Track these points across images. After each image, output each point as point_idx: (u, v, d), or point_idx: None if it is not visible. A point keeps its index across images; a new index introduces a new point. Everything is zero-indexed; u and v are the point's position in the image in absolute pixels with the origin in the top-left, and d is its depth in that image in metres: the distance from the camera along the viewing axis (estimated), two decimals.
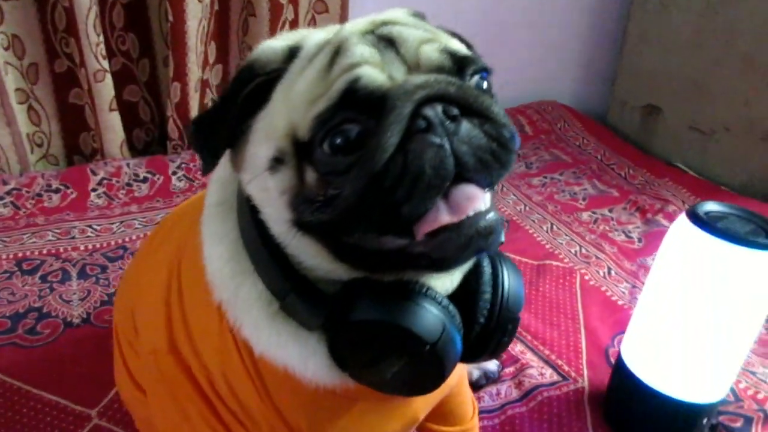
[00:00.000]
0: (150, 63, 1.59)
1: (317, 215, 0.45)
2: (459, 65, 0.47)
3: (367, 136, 0.43)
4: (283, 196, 0.47)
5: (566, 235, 1.39)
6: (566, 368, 1.00)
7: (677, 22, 1.80)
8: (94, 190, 1.42)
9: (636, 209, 1.52)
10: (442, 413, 0.73)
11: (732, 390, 0.96)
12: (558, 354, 1.03)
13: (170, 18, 1.42)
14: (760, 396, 0.95)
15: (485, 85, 0.49)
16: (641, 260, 1.31)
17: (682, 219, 0.79)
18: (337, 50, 0.45)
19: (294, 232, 0.48)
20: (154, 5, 1.53)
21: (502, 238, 0.48)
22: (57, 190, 1.39)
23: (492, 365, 0.97)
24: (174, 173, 1.49)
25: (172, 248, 0.63)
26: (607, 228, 1.43)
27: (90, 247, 1.24)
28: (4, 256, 1.19)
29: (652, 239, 1.37)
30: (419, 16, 0.54)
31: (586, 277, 1.24)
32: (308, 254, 0.50)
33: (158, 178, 1.47)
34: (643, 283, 1.06)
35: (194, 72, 1.51)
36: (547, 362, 1.01)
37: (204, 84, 1.59)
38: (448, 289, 0.53)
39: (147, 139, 1.66)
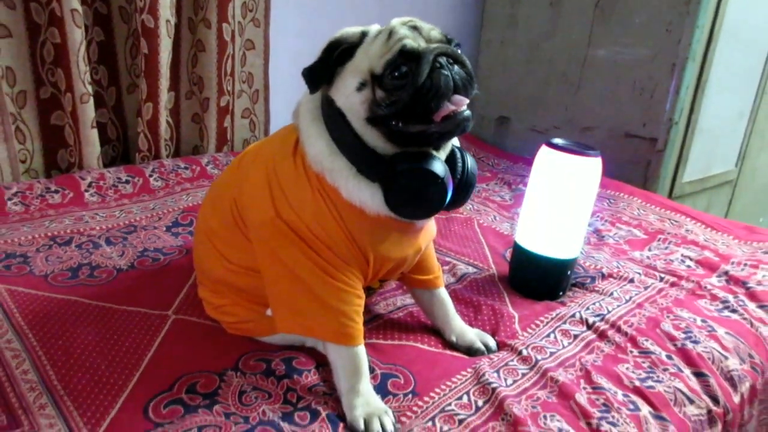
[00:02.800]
0: (116, 90, 1.92)
1: (384, 111, 0.90)
2: (449, 41, 0.95)
3: (410, 71, 0.89)
4: (363, 105, 0.91)
5: None
6: (481, 265, 1.49)
7: (513, 53, 2.47)
8: (86, 190, 1.70)
9: (504, 183, 2.10)
10: (422, 266, 1.17)
11: (580, 266, 1.51)
12: (474, 259, 1.52)
13: (145, 50, 1.78)
14: (598, 267, 1.51)
15: (459, 50, 0.98)
16: (514, 210, 1.87)
17: (543, 147, 1.34)
18: (390, 32, 0.92)
19: (366, 125, 0.93)
20: (120, 43, 1.87)
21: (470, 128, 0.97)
22: (56, 191, 1.66)
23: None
24: (150, 175, 1.82)
25: (263, 159, 1.03)
26: (487, 195, 1.99)
27: (104, 227, 1.54)
28: (36, 235, 1.46)
29: (518, 198, 1.94)
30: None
31: (481, 221, 1.77)
32: (373, 138, 0.93)
33: (138, 180, 1.79)
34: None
35: (163, 95, 1.87)
36: (468, 263, 1.50)
37: None
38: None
39: (113, 154, 1.96)
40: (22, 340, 1.08)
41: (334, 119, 0.96)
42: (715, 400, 1.09)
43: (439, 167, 0.93)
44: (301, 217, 0.97)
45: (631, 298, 1.36)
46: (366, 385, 0.99)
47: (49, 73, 1.73)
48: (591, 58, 2.19)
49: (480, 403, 1.00)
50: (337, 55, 0.93)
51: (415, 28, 0.93)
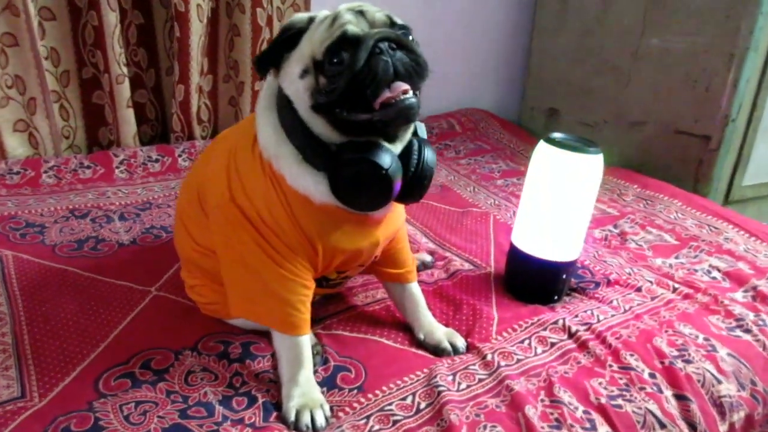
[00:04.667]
0: (155, 72, 2.00)
1: (324, 98, 0.88)
2: (393, 24, 0.91)
3: (351, 57, 0.86)
4: (306, 92, 0.89)
5: (484, 193, 1.86)
6: (479, 262, 1.43)
7: (564, 41, 2.34)
8: (117, 167, 1.80)
9: None
10: (393, 260, 1.14)
11: (588, 270, 1.41)
12: (474, 255, 1.47)
13: (177, 33, 1.84)
14: (607, 273, 1.41)
15: (410, 37, 0.93)
16: None
17: (540, 143, 1.26)
18: (335, 17, 0.89)
19: (311, 113, 0.91)
20: (159, 26, 1.95)
21: (421, 130, 0.93)
22: (88, 167, 1.77)
23: (427, 257, 1.40)
24: (180, 156, 1.89)
25: (228, 145, 1.04)
26: (515, 189, 1.90)
27: (123, 203, 1.62)
28: (58, 207, 1.55)
29: None
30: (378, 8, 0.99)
31: (498, 217, 1.70)
32: (319, 126, 0.91)
33: (167, 159, 1.87)
34: None
35: (195, 77, 1.93)
36: (466, 260, 1.44)
37: (199, 89, 2.00)
38: (395, 152, 0.96)
39: (152, 133, 2.05)
40: (11, 304, 1.16)
41: (282, 106, 0.95)
42: (693, 427, 0.99)
43: (384, 158, 0.90)
44: (253, 202, 0.97)
45: (631, 308, 1.26)
46: (305, 375, 0.98)
47: (90, 54, 1.83)
48: (643, 47, 2.03)
49: (422, 405, 0.97)
50: (283, 40, 0.92)
51: (360, 13, 0.90)
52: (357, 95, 0.86)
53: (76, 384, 0.98)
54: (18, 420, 0.90)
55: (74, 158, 1.79)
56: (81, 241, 1.41)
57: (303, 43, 0.91)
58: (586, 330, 1.17)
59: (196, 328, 1.13)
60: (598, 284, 1.36)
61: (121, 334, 1.11)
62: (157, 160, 1.85)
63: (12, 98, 1.74)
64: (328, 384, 1.02)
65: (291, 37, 0.92)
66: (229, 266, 1.01)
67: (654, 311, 1.25)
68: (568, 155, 1.20)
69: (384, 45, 0.86)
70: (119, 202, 1.62)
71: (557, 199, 1.23)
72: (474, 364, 1.07)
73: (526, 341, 1.14)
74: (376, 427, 0.92)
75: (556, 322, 1.19)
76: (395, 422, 0.93)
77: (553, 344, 1.13)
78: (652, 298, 1.30)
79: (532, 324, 1.19)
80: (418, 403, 0.97)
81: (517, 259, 1.31)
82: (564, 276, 1.28)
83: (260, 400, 0.97)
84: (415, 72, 0.88)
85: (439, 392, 0.98)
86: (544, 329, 1.17)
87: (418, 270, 1.37)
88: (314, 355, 1.05)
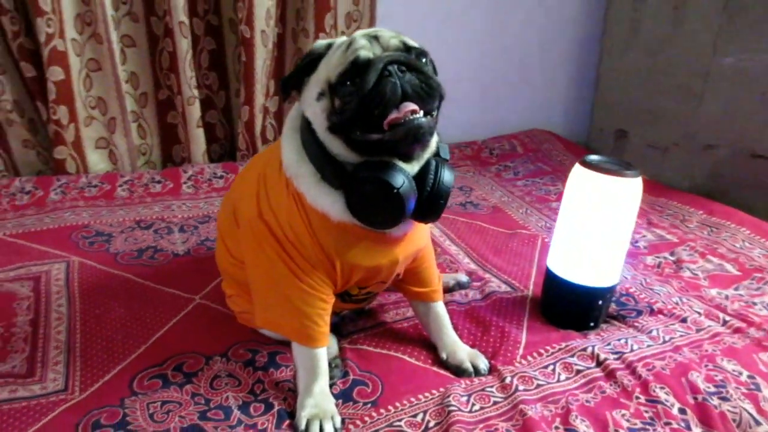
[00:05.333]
0: (225, 94, 2.13)
1: (338, 119, 0.91)
2: (408, 49, 0.94)
3: (361, 80, 0.89)
4: (323, 113, 0.93)
5: (536, 216, 1.83)
6: (517, 284, 1.42)
7: (634, 61, 2.27)
8: (184, 182, 1.92)
9: None
10: (418, 278, 1.16)
11: (632, 297, 1.36)
12: (514, 278, 1.45)
13: (243, 58, 1.96)
14: (652, 301, 1.35)
15: (424, 60, 0.95)
16: None
17: (576, 166, 1.23)
18: (350, 43, 0.93)
19: (328, 134, 0.95)
20: (230, 52, 2.07)
21: (444, 151, 0.95)
22: (159, 182, 1.90)
23: (463, 277, 1.40)
24: None
25: (259, 166, 1.10)
26: None
27: (185, 216, 1.73)
28: (127, 218, 1.68)
29: None
30: (397, 32, 1.02)
31: (546, 240, 1.66)
32: (336, 146, 0.95)
33: (231, 176, 1.97)
34: None
35: (259, 99, 2.03)
36: (505, 282, 1.43)
37: (265, 109, 2.11)
38: (410, 172, 0.98)
39: (221, 151, 2.18)
40: (70, 305, 1.27)
41: (304, 128, 0.99)
42: None
43: (396, 178, 0.92)
44: (278, 219, 1.02)
45: (671, 339, 1.20)
46: (320, 387, 1.01)
47: (166, 78, 1.98)
48: (716, 66, 1.94)
49: (431, 423, 0.97)
50: (304, 65, 0.97)
51: (375, 38, 0.93)
52: (367, 116, 0.89)
53: (113, 382, 1.06)
54: (57, 411, 0.98)
55: (147, 173, 1.93)
56: (141, 250, 1.52)
57: (321, 68, 0.95)
58: (617, 359, 1.12)
59: (229, 336, 1.19)
60: (640, 313, 1.30)
61: (161, 337, 1.19)
62: (221, 177, 1.96)
63: (95, 118, 1.91)
64: (344, 396, 1.04)
65: (311, 62, 0.97)
66: (255, 278, 1.07)
67: (696, 344, 1.18)
68: (605, 179, 1.17)
69: (393, 68, 0.88)
70: (182, 215, 1.73)
71: (594, 223, 1.20)
72: (492, 387, 1.06)
73: (550, 367, 1.11)
74: None
75: (584, 349, 1.15)
76: None
77: (578, 371, 1.10)
78: (698, 330, 1.23)
79: (560, 350, 1.16)
80: (428, 421, 0.98)
81: (552, 283, 1.29)
82: (600, 302, 1.24)
83: (276, 408, 1.01)
84: (425, 93, 0.90)
85: (449, 412, 0.98)
86: (572, 355, 1.14)
87: (453, 290, 1.38)
88: (333, 368, 1.08)
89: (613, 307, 1.32)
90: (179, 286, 1.36)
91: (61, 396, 1.02)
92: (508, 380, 1.07)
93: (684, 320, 1.26)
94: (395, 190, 0.92)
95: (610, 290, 1.25)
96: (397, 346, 1.18)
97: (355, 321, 1.25)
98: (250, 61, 1.96)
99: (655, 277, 1.47)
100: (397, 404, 1.02)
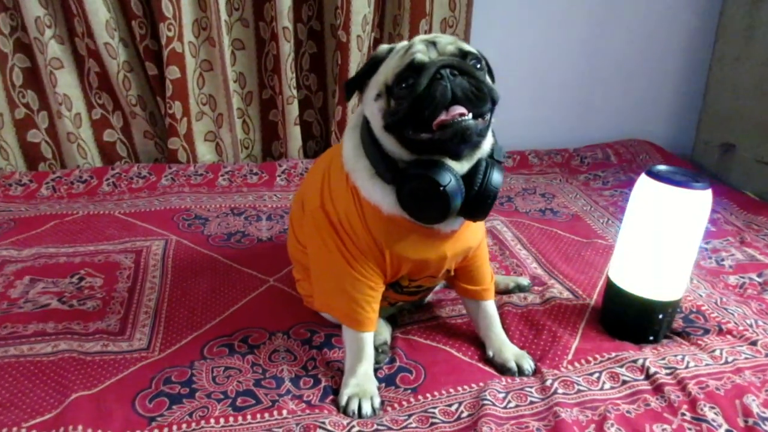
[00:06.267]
0: (323, 95, 2.26)
1: (392, 119, 0.98)
2: (463, 54, 0.98)
3: (415, 82, 0.95)
4: (379, 113, 1.00)
5: (617, 227, 1.78)
6: (580, 292, 1.40)
7: (746, 71, 2.13)
8: (279, 176, 2.07)
9: None
10: (470, 276, 1.19)
11: (702, 315, 1.31)
12: (579, 285, 1.44)
13: (339, 62, 2.07)
14: (723, 321, 1.29)
15: (479, 65, 1.00)
16: None
17: (642, 176, 1.21)
18: (409, 47, 0.99)
19: (384, 132, 1.01)
20: (329, 55, 2.20)
21: (498, 152, 1.00)
22: (256, 174, 2.06)
23: (524, 281, 1.42)
24: None
25: (328, 159, 1.19)
26: None
27: (274, 206, 1.87)
28: (223, 205, 1.85)
29: None
30: (455, 38, 1.07)
31: None
32: (390, 144, 1.02)
33: None
34: None
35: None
36: (568, 289, 1.42)
37: None
38: (459, 171, 1.02)
39: (316, 148, 2.31)
40: (163, 277, 1.43)
41: (363, 126, 1.07)
42: None
43: (444, 176, 0.97)
44: (337, 209, 1.11)
45: (734, 360, 1.15)
46: (364, 369, 1.08)
47: (269, 78, 2.14)
48: None
49: (464, 414, 1.01)
50: (367, 68, 1.04)
51: (433, 43, 0.99)
52: (419, 116, 0.95)
53: (188, 346, 1.19)
54: (138, 365, 1.13)
55: (247, 165, 2.10)
56: (231, 234, 1.67)
57: (380, 70, 1.02)
58: (668, 374, 1.10)
59: (293, 316, 1.29)
60: (707, 331, 1.25)
61: (234, 312, 1.31)
62: None
63: (205, 113, 2.11)
64: (388, 381, 1.11)
65: (373, 65, 1.04)
66: (315, 264, 1.16)
67: (762, 368, 1.13)
68: (672, 190, 1.15)
69: (446, 71, 0.94)
70: (272, 204, 1.87)
71: (658, 235, 1.18)
72: (531, 387, 1.08)
73: (596, 374, 1.11)
74: (414, 425, 0.99)
75: (635, 361, 1.13)
76: (432, 424, 0.99)
77: (624, 382, 1.09)
78: (767, 355, 1.17)
79: (609, 359, 1.15)
80: (461, 412, 1.02)
81: (612, 292, 1.27)
82: (660, 316, 1.21)
83: (323, 383, 1.09)
84: (475, 96, 0.94)
85: (483, 405, 1.01)
86: (621, 366, 1.13)
87: (513, 292, 1.40)
88: (380, 354, 1.14)
89: (679, 323, 1.28)
90: (257, 268, 1.48)
91: (143, 354, 1.16)
92: (549, 383, 1.08)
93: (754, 343, 1.20)
94: (442, 188, 0.97)
95: (673, 305, 1.22)
96: (446, 340, 1.22)
97: (412, 314, 1.31)
98: (345, 64, 2.07)
99: (734, 297, 1.40)
100: (436, 393, 1.07)
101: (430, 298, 1.36)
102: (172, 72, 1.96)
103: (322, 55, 2.20)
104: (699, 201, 1.14)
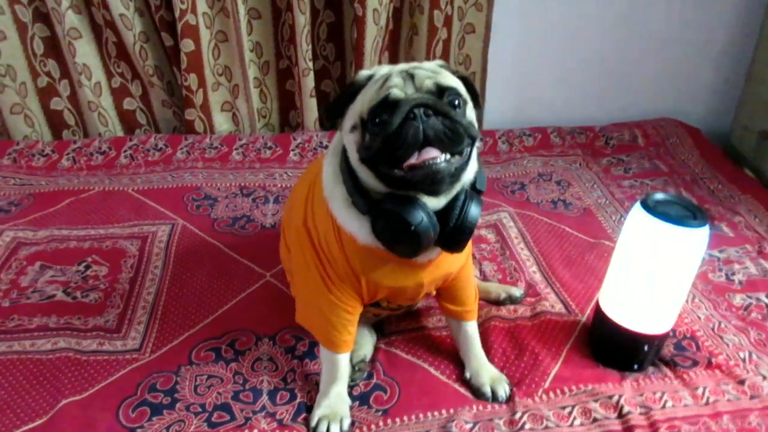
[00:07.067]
0: (341, 65, 2.21)
1: (366, 154, 0.96)
2: (440, 91, 0.94)
3: (388, 119, 0.92)
4: (355, 144, 0.98)
5: None
6: (573, 306, 1.38)
7: None
8: (292, 150, 2.06)
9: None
10: (452, 296, 1.19)
11: (695, 342, 1.28)
12: (572, 297, 1.41)
13: (355, 35, 2.01)
14: (714, 352, 1.26)
15: (456, 101, 0.95)
16: None
17: (636, 206, 1.15)
18: (386, 78, 0.96)
19: (359, 164, 0.99)
20: (348, 24, 2.13)
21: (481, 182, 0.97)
22: (270, 147, 2.06)
23: (517, 291, 1.40)
24: None
25: (311, 177, 1.18)
26: None
27: (284, 185, 1.87)
28: (234, 184, 1.87)
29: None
30: (444, 65, 1.01)
31: None
32: (366, 176, 1.00)
33: None
34: None
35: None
36: (562, 301, 1.40)
37: None
38: (435, 206, 1.00)
39: None
40: (164, 268, 1.48)
41: (342, 154, 1.05)
42: None
43: (415, 215, 0.95)
44: (318, 230, 1.11)
45: (715, 401, 1.13)
46: (337, 390, 1.11)
47: (286, 48, 2.10)
48: None
49: None
50: (345, 95, 1.01)
51: (411, 76, 0.94)
52: (391, 155, 0.92)
53: (178, 348, 1.25)
54: (127, 369, 1.19)
55: (261, 138, 2.10)
56: (236, 218, 1.70)
57: (358, 100, 0.99)
58: (642, 414, 1.09)
59: (282, 319, 1.31)
60: (696, 363, 1.23)
61: (228, 310, 1.36)
62: (326, 146, 2.08)
63: (221, 84, 2.10)
64: (362, 399, 1.14)
65: (352, 93, 1.01)
66: (297, 276, 1.18)
67: (741, 413, 1.11)
68: (667, 227, 1.09)
69: (419, 111, 0.90)
70: (282, 184, 1.88)
71: (649, 270, 1.13)
72: (500, 418, 1.09)
73: (568, 408, 1.11)
74: None
75: (610, 397, 1.13)
76: None
77: (595, 420, 1.09)
78: (752, 397, 1.14)
79: (585, 392, 1.15)
80: None
81: (600, 318, 1.25)
82: (646, 348, 1.19)
83: (298, 399, 1.13)
84: (448, 138, 0.91)
85: None
86: (595, 401, 1.13)
87: (504, 303, 1.39)
88: (356, 372, 1.17)
89: (670, 349, 1.26)
90: (256, 260, 1.51)
91: (135, 355, 1.22)
92: (518, 416, 1.09)
93: (741, 382, 1.17)
94: (413, 227, 0.95)
95: (660, 338, 1.19)
96: (427, 356, 1.24)
97: (398, 322, 1.33)
98: (361, 38, 2.01)
99: (734, 321, 1.35)
100: (405, 418, 1.09)
101: (420, 304, 1.36)
102: (187, 45, 1.95)
103: (340, 25, 2.13)
104: (695, 239, 1.09)
